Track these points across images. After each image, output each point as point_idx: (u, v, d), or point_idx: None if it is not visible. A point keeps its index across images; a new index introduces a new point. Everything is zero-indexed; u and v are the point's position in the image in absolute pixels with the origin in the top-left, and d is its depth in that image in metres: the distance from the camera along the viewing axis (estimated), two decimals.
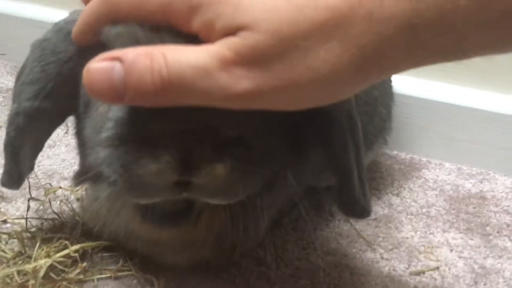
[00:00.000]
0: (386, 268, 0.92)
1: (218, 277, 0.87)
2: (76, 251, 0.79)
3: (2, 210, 0.98)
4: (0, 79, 1.59)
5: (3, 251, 0.84)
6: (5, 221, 0.95)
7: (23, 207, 1.00)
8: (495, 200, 1.14)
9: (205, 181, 0.62)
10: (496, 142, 1.25)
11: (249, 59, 0.46)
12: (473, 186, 1.19)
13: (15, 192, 1.05)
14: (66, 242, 0.80)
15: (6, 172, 0.80)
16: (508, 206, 1.12)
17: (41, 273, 0.72)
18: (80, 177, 0.86)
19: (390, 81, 1.15)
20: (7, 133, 0.76)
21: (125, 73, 0.48)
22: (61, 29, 0.75)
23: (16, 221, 0.95)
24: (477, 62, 1.28)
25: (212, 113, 0.60)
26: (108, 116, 0.64)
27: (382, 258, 0.94)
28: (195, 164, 0.60)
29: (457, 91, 1.28)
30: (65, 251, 0.78)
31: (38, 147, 0.85)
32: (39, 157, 1.13)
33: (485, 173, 1.25)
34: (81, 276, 0.78)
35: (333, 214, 1.06)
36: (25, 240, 0.86)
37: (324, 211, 1.07)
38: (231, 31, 0.46)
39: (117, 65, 0.48)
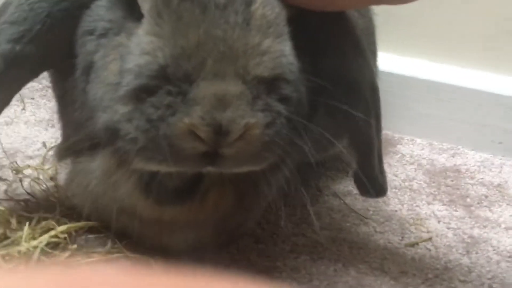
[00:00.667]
0: (382, 241, 0.91)
1: (218, 255, 0.82)
2: (62, 232, 0.71)
3: None
4: None
5: None
6: None
7: None
8: (469, 173, 1.17)
9: (238, 147, 0.57)
10: (465, 117, 1.28)
11: None
12: (446, 160, 1.22)
13: None
14: (52, 222, 0.72)
15: None
16: (482, 178, 1.15)
17: (36, 255, 0.64)
18: (68, 149, 0.78)
19: (376, 56, 1.14)
20: None
21: None
22: None
23: None
24: (450, 38, 1.30)
25: (238, 39, 0.55)
26: (125, 68, 0.57)
27: (375, 231, 0.93)
28: (229, 122, 0.55)
29: (427, 66, 1.30)
30: (52, 232, 0.70)
31: (6, 101, 0.72)
32: None
33: (455, 148, 1.28)
34: (70, 260, 0.70)
35: (320, 189, 1.04)
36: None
37: (311, 186, 1.04)
38: None
39: None
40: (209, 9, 0.55)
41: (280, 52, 0.58)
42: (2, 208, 0.71)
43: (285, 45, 0.59)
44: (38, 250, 0.64)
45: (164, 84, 0.55)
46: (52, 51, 0.66)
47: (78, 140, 0.75)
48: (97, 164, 0.70)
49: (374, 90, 0.72)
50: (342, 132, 0.73)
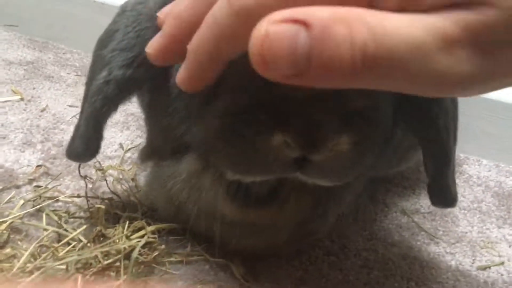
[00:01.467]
0: (453, 262, 0.90)
1: (290, 265, 0.84)
2: (152, 232, 0.75)
3: (50, 187, 0.92)
4: (17, 51, 1.51)
5: (65, 230, 0.78)
6: (56, 199, 0.89)
7: (72, 185, 0.94)
8: None
9: (327, 157, 0.58)
10: None
11: (479, 39, 0.36)
12: None
13: (60, 169, 0.99)
14: (143, 222, 0.75)
15: (84, 143, 0.73)
16: None
17: (135, 254, 0.67)
18: (152, 152, 0.81)
19: None
20: (92, 103, 0.70)
21: (311, 43, 0.35)
22: None
23: (69, 199, 0.89)
24: None
25: (345, 95, 0.57)
26: (221, 83, 0.57)
27: (446, 252, 0.93)
28: (321, 137, 0.56)
29: None
30: (142, 232, 0.73)
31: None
32: None
33: None
34: (161, 259, 0.73)
35: (388, 206, 1.04)
36: (87, 220, 0.81)
37: (379, 202, 1.05)
38: (457, 2, 0.36)
39: (301, 32, 0.36)
40: None
41: (374, 91, 0.60)
42: (102, 207, 0.74)
43: None
44: (137, 249, 0.67)
45: (257, 103, 0.56)
46: (155, 70, 0.69)
47: (163, 145, 0.78)
48: (183, 167, 0.72)
49: (454, 100, 0.73)
50: (419, 143, 0.73)
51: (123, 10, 0.72)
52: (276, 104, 0.56)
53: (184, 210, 0.78)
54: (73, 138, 0.77)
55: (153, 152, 0.81)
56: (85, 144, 0.73)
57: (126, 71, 0.68)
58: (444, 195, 0.75)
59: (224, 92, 0.59)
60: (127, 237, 0.71)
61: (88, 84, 0.74)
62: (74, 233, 0.71)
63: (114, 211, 0.82)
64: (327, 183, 0.64)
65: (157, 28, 0.67)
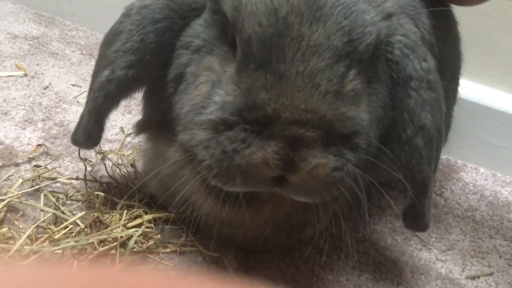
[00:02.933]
0: (443, 270, 0.91)
1: (282, 261, 0.85)
2: (148, 221, 0.75)
3: (49, 167, 0.92)
4: (23, 25, 1.50)
5: (62, 212, 0.79)
6: (54, 179, 0.89)
7: (71, 166, 0.94)
8: None
9: (304, 179, 0.61)
10: None
11: None
12: (509, 194, 1.21)
13: (60, 149, 0.99)
14: (140, 211, 0.76)
15: (86, 133, 0.76)
16: None
17: (131, 243, 0.67)
18: (147, 123, 0.83)
19: (457, 89, 1.12)
20: (94, 99, 0.72)
21: None
22: None
23: (67, 181, 0.89)
24: None
25: (329, 105, 0.58)
26: (211, 98, 0.62)
27: (437, 259, 0.94)
28: (300, 159, 0.59)
29: (498, 96, 1.28)
30: (138, 221, 0.74)
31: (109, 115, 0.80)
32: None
33: None
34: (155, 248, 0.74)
35: (383, 209, 1.05)
36: (85, 203, 0.81)
37: (374, 204, 1.06)
38: None
39: None
40: (287, 77, 0.58)
41: (359, 116, 0.62)
42: (102, 194, 0.75)
43: (363, 108, 0.64)
44: (133, 239, 0.67)
45: (242, 122, 0.59)
46: (155, 71, 0.72)
47: (157, 120, 0.80)
48: (169, 155, 0.74)
49: (440, 135, 0.74)
50: (401, 170, 0.74)
51: (128, 11, 0.74)
52: (261, 125, 0.59)
53: (172, 196, 0.78)
54: (77, 126, 0.79)
55: (147, 125, 0.84)
56: (87, 134, 0.76)
57: (128, 72, 0.70)
58: (417, 221, 0.76)
59: (212, 106, 0.62)
60: (124, 226, 0.72)
61: (93, 78, 0.76)
62: (72, 219, 0.72)
63: (111, 197, 0.83)
64: (305, 200, 0.66)
65: (160, 32, 0.70)
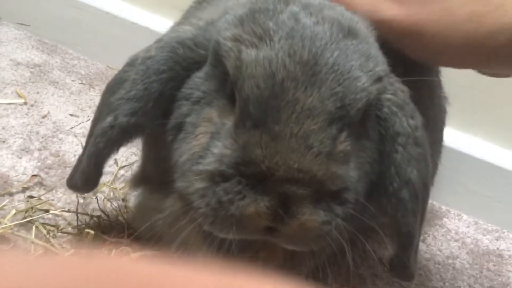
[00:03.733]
0: None
1: None
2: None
3: (42, 198, 0.95)
4: (26, 52, 1.54)
5: (52, 245, 0.81)
6: (46, 211, 0.92)
7: (64, 198, 0.97)
8: None
9: (295, 231, 0.64)
10: None
11: None
12: (490, 242, 1.24)
13: (54, 180, 1.02)
14: (128, 248, 0.78)
15: (84, 178, 0.78)
16: None
17: None
18: (144, 179, 0.85)
19: (441, 142, 1.16)
20: (95, 144, 0.74)
21: None
22: (165, 47, 0.74)
23: (59, 213, 0.92)
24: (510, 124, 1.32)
25: (320, 165, 0.62)
26: (209, 149, 0.66)
27: None
28: (291, 214, 0.62)
29: (484, 146, 1.32)
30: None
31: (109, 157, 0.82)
32: (76, 148, 1.10)
33: (500, 230, 1.29)
34: None
35: (366, 253, 1.07)
36: (75, 237, 0.83)
37: (358, 248, 1.08)
38: None
39: None
40: (282, 137, 0.62)
41: (348, 174, 0.66)
42: (92, 232, 0.77)
43: (352, 166, 0.67)
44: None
45: (238, 175, 0.63)
46: (156, 119, 0.75)
47: (154, 174, 0.83)
48: (167, 205, 0.76)
49: (426, 188, 0.77)
50: (389, 222, 0.77)
51: (133, 61, 0.77)
52: (255, 179, 0.62)
53: (166, 244, 0.81)
54: (74, 170, 0.81)
55: (144, 179, 0.86)
56: (85, 179, 0.78)
57: (130, 119, 0.73)
58: (403, 271, 0.79)
59: (211, 158, 0.65)
60: None
61: (94, 124, 0.79)
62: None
63: (101, 234, 0.85)
64: (295, 249, 0.69)
65: (163, 82, 0.73)
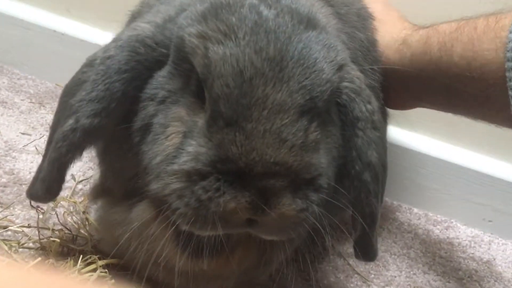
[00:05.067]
0: None
1: None
2: (102, 266, 0.78)
3: (0, 216, 0.93)
4: None
5: (15, 260, 0.80)
6: (5, 228, 0.90)
7: (23, 214, 0.96)
8: (461, 248, 1.25)
9: (275, 221, 0.66)
10: (459, 194, 1.38)
11: None
12: (440, 232, 1.31)
13: (11, 198, 1.00)
14: (95, 256, 0.78)
15: (45, 186, 0.75)
16: (472, 254, 1.24)
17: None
18: (104, 191, 0.84)
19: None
20: (57, 149, 0.72)
21: None
22: (124, 46, 0.73)
23: (19, 229, 0.90)
24: (455, 117, 1.41)
25: (295, 156, 0.65)
26: (184, 149, 0.66)
27: None
28: (270, 206, 0.64)
29: (428, 142, 1.40)
30: (93, 266, 0.76)
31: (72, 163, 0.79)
32: (31, 165, 1.09)
33: (448, 221, 1.36)
34: None
35: (326, 248, 1.11)
36: (38, 251, 0.82)
37: (318, 245, 1.12)
38: None
39: None
40: (255, 135, 0.64)
41: (320, 161, 0.69)
42: (57, 240, 0.77)
43: (322, 152, 0.70)
44: (89, 284, 0.70)
45: (215, 172, 0.64)
46: (119, 121, 0.74)
47: (114, 186, 0.82)
48: (134, 216, 0.75)
49: (385, 170, 0.82)
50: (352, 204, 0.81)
51: (91, 62, 0.75)
52: (233, 175, 0.63)
53: (133, 256, 0.79)
54: (34, 179, 0.78)
55: (104, 191, 0.85)
56: (47, 187, 0.75)
57: (93, 120, 0.71)
58: (367, 251, 0.83)
59: (186, 157, 0.65)
60: (79, 271, 0.74)
61: (54, 129, 0.76)
62: (27, 266, 0.73)
63: (65, 244, 0.85)
64: (273, 238, 0.72)
65: (126, 82, 0.72)
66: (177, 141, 0.67)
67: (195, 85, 0.69)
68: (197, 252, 0.74)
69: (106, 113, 0.71)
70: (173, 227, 0.68)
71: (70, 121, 0.71)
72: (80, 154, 0.75)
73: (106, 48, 0.75)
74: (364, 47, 0.94)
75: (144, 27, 0.75)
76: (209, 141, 0.64)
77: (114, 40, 0.76)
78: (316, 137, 0.68)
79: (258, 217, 0.65)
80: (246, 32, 0.65)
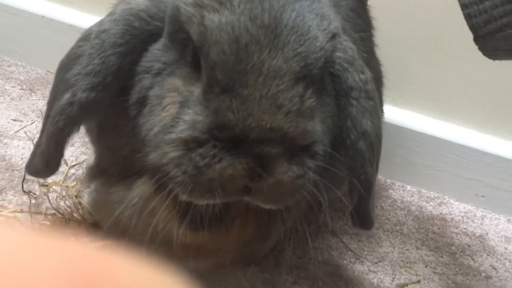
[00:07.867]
0: (375, 280, 0.99)
1: (225, 280, 0.89)
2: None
3: None
4: None
5: None
6: None
7: (15, 200, 0.96)
8: (454, 223, 1.26)
9: (272, 188, 0.66)
10: (451, 170, 1.38)
11: None
12: (433, 208, 1.31)
13: (3, 183, 1.00)
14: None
15: (44, 160, 0.75)
16: (465, 229, 1.25)
17: None
18: (101, 171, 0.85)
19: (382, 103, 1.22)
20: (55, 123, 0.72)
21: None
22: (119, 20, 0.73)
23: (11, 214, 0.91)
24: (445, 94, 1.41)
25: (290, 123, 0.65)
26: (180, 118, 0.66)
27: (369, 270, 1.02)
28: (267, 171, 0.64)
29: (420, 119, 1.40)
30: None
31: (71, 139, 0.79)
32: (23, 151, 1.09)
33: (441, 197, 1.37)
34: None
35: (320, 226, 1.12)
36: None
37: (312, 223, 1.13)
38: None
39: None
40: (251, 100, 0.64)
41: (315, 128, 0.69)
42: (48, 223, 0.77)
43: (317, 120, 0.71)
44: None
45: (212, 139, 0.64)
46: (116, 95, 0.74)
47: (111, 165, 0.82)
48: (135, 193, 0.76)
49: (379, 139, 0.82)
50: (346, 172, 0.81)
51: (86, 36, 0.75)
52: (230, 142, 0.64)
53: (134, 233, 0.80)
54: (33, 155, 0.78)
55: (100, 171, 0.85)
56: (46, 161, 0.76)
57: (90, 94, 0.71)
58: (364, 219, 0.84)
59: (182, 125, 0.65)
60: None
61: (51, 104, 0.76)
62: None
63: (58, 227, 0.85)
64: (270, 207, 0.72)
65: (121, 56, 0.73)
66: (173, 111, 0.68)
67: (190, 55, 0.70)
68: (196, 224, 0.74)
69: (102, 87, 0.72)
70: (172, 197, 0.69)
71: (67, 95, 0.72)
72: (78, 128, 0.76)
73: (101, 22, 0.75)
74: (350, 16, 0.94)
75: (138, 1, 0.75)
76: (206, 109, 0.65)
77: (109, 14, 0.76)
78: (311, 104, 0.68)
79: (255, 183, 0.65)
80: (241, 0, 0.65)
